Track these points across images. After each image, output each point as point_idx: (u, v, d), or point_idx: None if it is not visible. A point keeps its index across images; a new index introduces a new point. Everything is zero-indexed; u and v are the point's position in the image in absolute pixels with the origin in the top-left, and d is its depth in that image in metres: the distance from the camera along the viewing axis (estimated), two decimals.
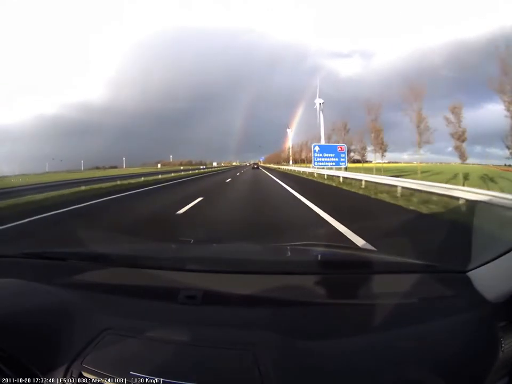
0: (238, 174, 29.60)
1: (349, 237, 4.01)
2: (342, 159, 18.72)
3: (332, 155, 18.76)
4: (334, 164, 18.70)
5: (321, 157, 18.83)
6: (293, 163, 59.62)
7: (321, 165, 18.97)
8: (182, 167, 45.95)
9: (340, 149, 19.02)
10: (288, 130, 66.35)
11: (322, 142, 33.97)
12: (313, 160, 19.13)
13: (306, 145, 52.72)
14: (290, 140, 63.33)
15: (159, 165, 39.32)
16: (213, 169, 46.26)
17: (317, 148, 19.25)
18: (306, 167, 35.43)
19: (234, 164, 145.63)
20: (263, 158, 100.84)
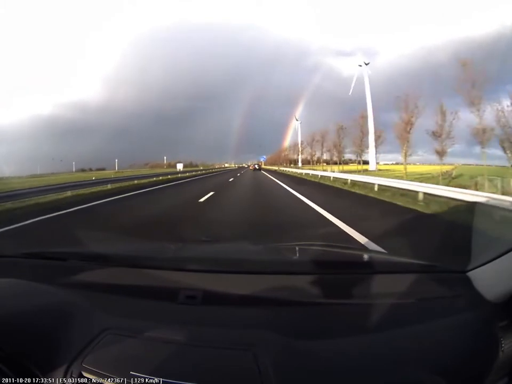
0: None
1: None
2: None
3: None
4: None
5: None
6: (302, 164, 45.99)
7: None
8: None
9: None
10: (296, 122, 51.72)
11: (371, 122, 25.47)
12: None
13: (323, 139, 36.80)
14: (299, 134, 49.71)
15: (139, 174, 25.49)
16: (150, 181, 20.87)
17: None
18: (347, 171, 22.45)
19: (227, 165, 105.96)
20: (264, 157, 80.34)
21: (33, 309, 0.80)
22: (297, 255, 1.32)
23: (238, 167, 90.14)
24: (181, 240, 1.65)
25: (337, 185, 14.54)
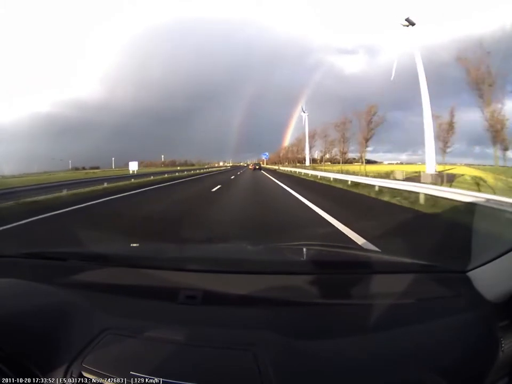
0: None
1: None
2: None
3: None
4: None
5: None
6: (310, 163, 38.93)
7: None
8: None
9: None
10: (303, 114, 42.28)
11: (427, 111, 14.42)
12: None
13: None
14: (306, 126, 40.37)
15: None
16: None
17: None
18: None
19: (222, 164, 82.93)
20: (267, 155, 65.55)
21: (33, 309, 0.80)
22: (297, 255, 1.32)
23: (232, 166, 70.33)
24: (181, 240, 1.64)
25: None
